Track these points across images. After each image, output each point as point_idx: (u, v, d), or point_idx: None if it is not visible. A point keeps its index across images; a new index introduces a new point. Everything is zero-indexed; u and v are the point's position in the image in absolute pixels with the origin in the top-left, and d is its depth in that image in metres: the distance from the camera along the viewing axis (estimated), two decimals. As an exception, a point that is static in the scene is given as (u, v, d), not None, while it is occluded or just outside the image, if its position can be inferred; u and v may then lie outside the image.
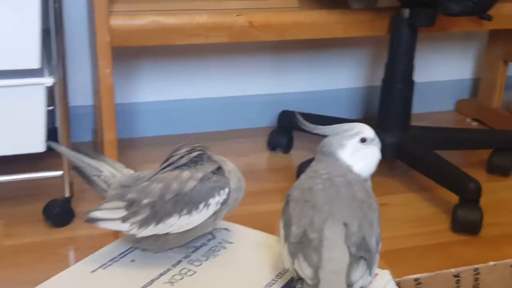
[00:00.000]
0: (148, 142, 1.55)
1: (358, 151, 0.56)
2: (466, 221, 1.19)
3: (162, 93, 1.57)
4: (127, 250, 0.60)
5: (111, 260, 0.58)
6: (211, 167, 0.59)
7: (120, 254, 0.59)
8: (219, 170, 0.59)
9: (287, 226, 0.52)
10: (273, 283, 0.55)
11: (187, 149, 0.60)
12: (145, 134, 1.58)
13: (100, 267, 0.57)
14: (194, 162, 0.58)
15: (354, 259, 0.48)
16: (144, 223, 0.55)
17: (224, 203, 0.58)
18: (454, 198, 1.22)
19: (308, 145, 1.51)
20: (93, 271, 0.57)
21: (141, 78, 1.55)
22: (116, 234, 1.08)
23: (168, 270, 0.57)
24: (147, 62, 1.54)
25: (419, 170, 1.33)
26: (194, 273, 0.56)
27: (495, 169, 1.41)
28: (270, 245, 0.61)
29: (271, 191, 1.34)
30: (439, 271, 0.59)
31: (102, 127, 1.33)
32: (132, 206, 0.56)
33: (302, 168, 1.25)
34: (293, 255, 0.50)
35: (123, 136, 1.49)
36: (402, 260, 1.10)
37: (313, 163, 0.58)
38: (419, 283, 0.58)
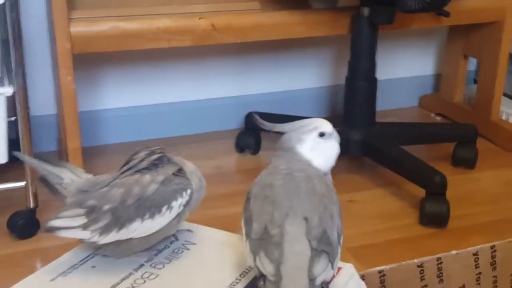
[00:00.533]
0: (114, 149, 1.53)
1: (317, 145, 0.57)
2: (433, 214, 1.20)
3: (127, 99, 1.56)
4: (87, 257, 0.59)
5: (71, 267, 0.57)
6: (171, 169, 0.58)
7: (80, 261, 0.58)
8: (180, 171, 0.59)
9: (248, 223, 0.52)
10: (237, 282, 0.55)
11: (146, 152, 0.59)
12: (111, 141, 1.56)
13: (60, 275, 0.56)
14: (155, 165, 0.58)
15: (316, 253, 0.48)
16: (105, 230, 0.54)
17: (186, 204, 0.58)
18: (420, 192, 1.24)
19: (276, 145, 1.51)
20: (52, 279, 0.56)
21: (104, 84, 1.54)
22: (81, 243, 1.06)
23: (130, 274, 0.56)
24: (109, 69, 1.53)
25: (385, 165, 1.34)
26: (156, 277, 0.56)
27: (460, 162, 1.43)
28: (233, 244, 0.61)
29: (241, 192, 1.31)
30: (403, 262, 0.59)
31: (65, 136, 1.31)
32: (92, 213, 0.54)
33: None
34: (254, 252, 0.50)
35: (88, 144, 1.47)
36: (370, 256, 1.11)
37: (273, 159, 0.58)
38: (383, 275, 0.59)
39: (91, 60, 1.49)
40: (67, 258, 0.58)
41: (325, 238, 0.50)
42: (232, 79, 1.62)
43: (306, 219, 0.50)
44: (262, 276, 0.49)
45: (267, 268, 0.48)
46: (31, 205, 1.17)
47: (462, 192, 1.33)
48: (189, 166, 0.61)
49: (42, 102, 1.48)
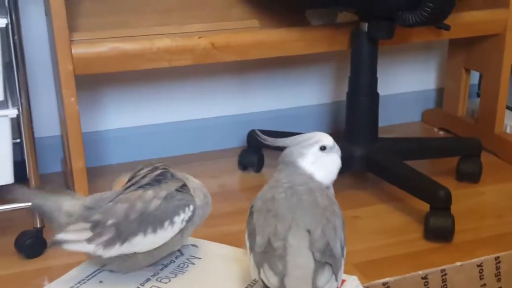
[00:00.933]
0: (117, 169, 1.54)
1: (318, 159, 0.57)
2: (438, 229, 1.20)
3: (129, 119, 1.57)
4: (94, 272, 0.59)
5: (79, 282, 0.58)
6: (175, 185, 0.59)
7: (87, 276, 0.58)
8: (183, 187, 0.59)
9: (252, 236, 0.52)
10: (243, 296, 0.55)
11: (149, 168, 0.60)
12: (114, 161, 1.57)
13: (69, 289, 0.57)
14: (158, 181, 0.58)
15: (319, 265, 0.49)
16: (109, 244, 0.55)
17: (189, 220, 0.58)
18: (425, 207, 1.23)
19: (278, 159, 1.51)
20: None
21: (106, 105, 1.55)
22: (88, 259, 1.06)
23: (136, 289, 0.56)
24: (111, 90, 1.54)
25: (389, 181, 1.34)
26: (162, 291, 0.56)
27: (464, 176, 1.43)
28: (238, 258, 0.61)
29: (245, 210, 1.32)
30: (407, 274, 0.59)
31: (70, 157, 1.32)
32: (96, 227, 0.55)
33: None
34: (258, 265, 0.50)
35: (92, 165, 1.48)
36: (376, 271, 1.10)
37: (275, 174, 0.58)
38: (388, 287, 0.59)
39: (92, 81, 1.50)
40: (75, 273, 0.59)
41: (328, 250, 0.50)
42: (233, 97, 1.63)
43: (309, 231, 0.50)
44: (265, 288, 0.49)
45: (271, 280, 0.48)
46: (38, 225, 1.17)
47: (466, 206, 1.33)
48: (194, 182, 0.62)
49: (46, 124, 1.49)
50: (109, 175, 1.51)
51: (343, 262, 0.51)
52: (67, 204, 0.59)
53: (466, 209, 1.31)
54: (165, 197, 0.56)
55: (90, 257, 0.57)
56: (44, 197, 0.60)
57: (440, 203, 1.21)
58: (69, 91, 1.26)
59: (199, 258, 0.62)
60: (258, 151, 1.51)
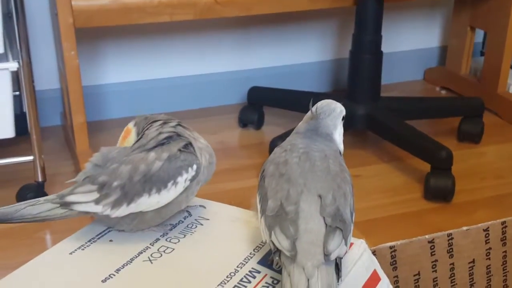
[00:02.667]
0: (117, 124, 1.53)
1: (341, 129, 0.58)
2: (439, 189, 1.21)
3: (129, 73, 1.55)
4: (104, 231, 0.59)
5: (89, 241, 0.58)
6: (178, 145, 0.59)
7: (97, 235, 0.59)
8: (186, 147, 0.59)
9: (264, 200, 0.52)
10: (251, 257, 0.55)
11: (157, 127, 0.60)
12: (114, 116, 1.56)
13: (79, 248, 0.57)
14: (162, 144, 0.59)
15: (330, 230, 0.49)
16: (116, 204, 0.56)
17: (193, 179, 0.58)
18: (426, 167, 1.24)
19: (279, 120, 1.51)
20: (71, 253, 0.56)
21: (107, 59, 1.53)
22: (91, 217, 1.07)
23: (147, 248, 0.56)
24: (111, 43, 1.52)
25: (390, 140, 1.34)
26: (172, 250, 0.56)
27: (465, 137, 1.43)
28: (246, 220, 0.61)
29: (244, 167, 1.34)
30: (414, 238, 0.59)
31: (70, 111, 1.31)
32: (103, 189, 0.56)
33: (274, 143, 1.25)
34: (270, 228, 0.50)
35: (91, 119, 1.47)
36: (376, 230, 1.12)
37: (291, 138, 0.58)
38: (394, 251, 0.59)
39: (92, 35, 1.48)
40: (84, 232, 0.59)
41: (339, 216, 0.50)
42: (234, 53, 1.61)
43: (320, 196, 0.50)
44: (277, 251, 0.49)
45: (283, 243, 0.48)
46: (39, 179, 1.18)
47: (467, 166, 1.33)
48: (200, 142, 0.61)
49: (45, 77, 1.48)
50: (109, 129, 1.50)
51: (352, 228, 0.52)
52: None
53: (466, 170, 1.32)
54: (167, 158, 0.57)
55: (98, 218, 0.58)
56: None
57: (441, 164, 1.21)
58: (69, 45, 1.24)
59: (207, 219, 0.62)
60: (258, 108, 1.51)
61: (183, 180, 0.57)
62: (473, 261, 0.62)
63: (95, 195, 0.56)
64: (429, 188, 1.21)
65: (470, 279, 0.63)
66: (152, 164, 0.56)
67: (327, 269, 0.47)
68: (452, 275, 0.62)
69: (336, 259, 0.49)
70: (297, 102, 1.41)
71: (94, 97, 1.52)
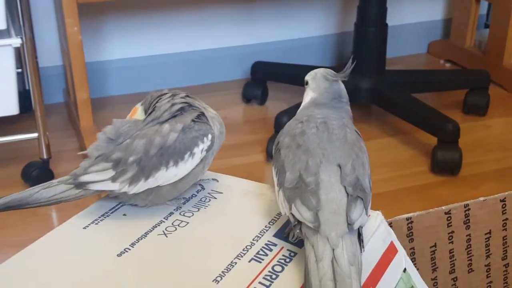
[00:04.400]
0: (121, 100, 1.52)
1: None
2: (446, 162, 1.20)
3: (132, 49, 1.54)
4: (117, 205, 0.58)
5: (102, 215, 0.57)
6: (191, 116, 0.58)
7: (110, 210, 0.58)
8: (200, 117, 0.58)
9: (281, 172, 0.52)
10: (267, 230, 0.55)
11: (168, 99, 0.59)
12: (117, 93, 1.55)
13: (92, 223, 0.56)
14: (174, 116, 0.57)
15: (352, 199, 0.48)
16: (133, 180, 0.55)
17: (209, 149, 0.57)
18: (432, 140, 1.23)
19: (283, 95, 1.50)
20: (85, 227, 0.56)
21: (110, 35, 1.52)
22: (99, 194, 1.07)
23: (161, 222, 0.56)
24: (115, 19, 1.50)
25: (396, 114, 1.33)
26: (187, 224, 0.56)
27: (471, 109, 1.43)
28: (260, 193, 0.60)
29: (248, 143, 1.33)
30: (431, 209, 0.59)
31: (73, 87, 1.30)
32: (118, 166, 0.55)
33: (280, 118, 1.24)
34: (290, 200, 0.49)
35: (95, 96, 1.46)
36: (383, 203, 1.12)
37: (304, 110, 0.57)
38: (411, 222, 0.59)
39: (95, 11, 1.46)
40: (96, 207, 0.58)
41: (359, 185, 0.50)
42: (237, 28, 1.59)
43: (339, 166, 0.50)
44: (298, 223, 0.48)
45: (305, 215, 0.47)
46: (44, 156, 1.17)
47: (473, 139, 1.33)
48: (211, 112, 0.61)
49: (47, 53, 1.46)
50: (113, 105, 1.49)
51: (371, 197, 0.51)
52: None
53: (472, 143, 1.31)
54: (182, 129, 0.56)
55: (113, 195, 0.57)
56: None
57: (449, 137, 1.20)
58: (72, 20, 1.23)
59: (221, 193, 0.61)
60: (262, 83, 1.49)
61: (199, 151, 0.56)
62: (490, 232, 0.62)
63: (111, 173, 0.55)
64: (436, 161, 1.21)
65: (486, 250, 0.63)
66: (167, 136, 0.55)
67: (351, 239, 0.46)
68: (469, 246, 0.61)
69: (358, 228, 0.49)
70: (301, 76, 1.39)
71: (97, 74, 1.51)
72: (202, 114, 0.59)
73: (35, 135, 1.15)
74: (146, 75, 1.55)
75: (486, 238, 0.62)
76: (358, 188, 0.49)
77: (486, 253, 0.62)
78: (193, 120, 0.57)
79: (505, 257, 0.64)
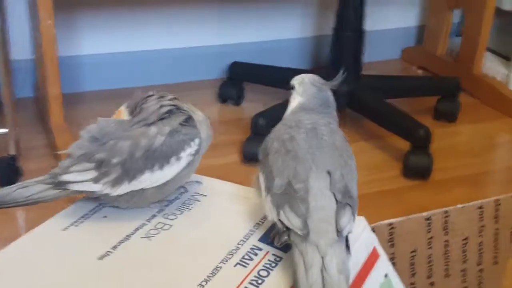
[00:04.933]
0: (93, 97, 1.50)
1: None
2: (417, 167, 1.22)
3: (106, 45, 1.52)
4: (97, 207, 0.57)
5: (82, 217, 0.56)
6: (179, 119, 0.57)
7: (90, 211, 0.57)
8: (187, 120, 0.58)
9: (269, 178, 0.51)
10: (252, 234, 0.55)
11: (155, 102, 0.58)
12: (89, 89, 1.53)
13: (72, 224, 0.55)
14: (161, 119, 0.57)
15: (340, 206, 0.48)
16: (117, 182, 0.54)
17: (196, 153, 0.57)
18: (403, 145, 1.25)
19: (259, 96, 1.50)
20: (65, 229, 0.54)
21: (82, 30, 1.49)
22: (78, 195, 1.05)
23: (144, 225, 0.55)
24: (89, 14, 1.48)
25: (371, 118, 1.34)
26: (170, 227, 0.55)
27: (441, 116, 1.45)
28: (244, 196, 0.60)
29: (224, 144, 1.33)
30: (411, 215, 0.60)
31: (45, 82, 1.27)
32: (101, 166, 0.53)
33: (256, 120, 1.24)
34: (278, 206, 0.49)
35: (66, 91, 1.43)
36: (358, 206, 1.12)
37: (292, 115, 0.57)
38: (393, 228, 0.59)
39: (68, 5, 1.43)
40: (75, 208, 0.57)
41: (347, 192, 0.50)
42: (215, 27, 1.58)
43: (329, 173, 0.50)
44: (286, 230, 0.48)
45: (294, 222, 0.47)
46: (13, 152, 1.14)
47: (443, 145, 1.35)
48: (199, 115, 0.60)
49: (18, 47, 1.43)
50: (84, 102, 1.47)
51: (357, 203, 0.51)
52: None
53: (443, 148, 1.33)
54: (169, 133, 0.55)
55: (93, 196, 0.55)
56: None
57: (420, 142, 1.22)
58: (46, 14, 1.20)
59: (205, 195, 0.61)
60: (238, 84, 1.49)
61: (186, 155, 0.56)
62: (467, 238, 0.63)
63: (93, 174, 0.53)
64: (409, 166, 1.22)
65: (463, 255, 0.64)
66: (153, 139, 0.54)
67: (340, 246, 0.47)
68: (447, 251, 0.62)
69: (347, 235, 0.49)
70: (278, 78, 1.39)
71: (70, 69, 1.48)
72: (190, 117, 0.58)
73: (4, 130, 1.13)
74: (120, 71, 1.53)
75: (463, 244, 0.63)
76: (347, 195, 0.49)
77: (463, 258, 0.63)
78: (180, 124, 0.56)
79: (480, 263, 0.65)
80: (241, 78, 1.49)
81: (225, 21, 1.59)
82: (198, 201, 0.60)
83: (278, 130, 0.55)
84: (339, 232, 0.47)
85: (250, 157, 1.24)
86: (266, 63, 1.54)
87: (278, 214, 0.49)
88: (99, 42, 1.50)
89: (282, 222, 0.48)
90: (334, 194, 0.49)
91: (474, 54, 1.53)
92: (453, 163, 1.30)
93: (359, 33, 1.35)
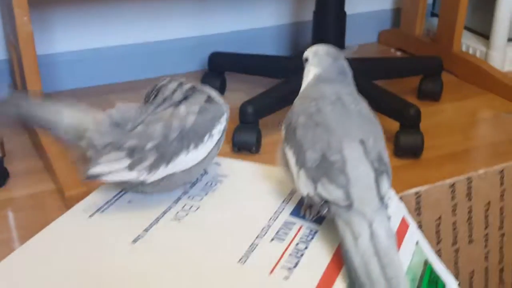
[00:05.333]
0: (71, 95, 1.46)
1: None
2: (408, 146, 1.22)
3: (83, 41, 1.48)
4: (119, 193, 0.55)
5: (106, 203, 0.54)
6: (201, 97, 0.55)
7: (114, 197, 0.55)
8: (209, 99, 0.56)
9: (299, 153, 0.50)
10: (282, 209, 0.54)
11: (177, 83, 0.56)
12: (68, 87, 1.48)
13: (97, 211, 0.53)
14: (185, 97, 0.55)
15: (378, 173, 0.48)
16: (153, 167, 0.51)
17: (224, 130, 0.56)
18: (394, 125, 1.25)
19: (242, 86, 1.48)
20: (91, 216, 0.52)
21: (59, 27, 1.45)
22: (60, 190, 1.01)
23: (170, 207, 0.53)
24: (64, 10, 1.44)
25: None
26: (197, 208, 0.54)
27: (426, 95, 1.46)
28: (265, 175, 0.59)
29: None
30: (437, 183, 0.59)
31: (24, 82, 1.23)
32: (134, 154, 0.51)
33: (245, 108, 1.23)
34: (314, 180, 0.48)
35: (44, 90, 1.39)
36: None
37: (311, 87, 0.56)
38: (419, 196, 0.59)
39: (41, 2, 1.39)
40: (97, 195, 0.55)
41: (381, 159, 0.49)
42: (193, 18, 1.56)
43: (361, 142, 0.49)
44: (325, 203, 0.47)
45: (335, 193, 0.46)
46: (-1, 154, 1.11)
47: (430, 124, 1.35)
48: (215, 96, 0.59)
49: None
50: (63, 101, 1.43)
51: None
52: (71, 116, 0.53)
53: (430, 127, 1.34)
54: (199, 111, 0.53)
55: (124, 184, 0.53)
56: (38, 104, 0.53)
57: (410, 121, 1.22)
58: (21, 11, 1.16)
59: (226, 175, 0.59)
60: (220, 74, 1.47)
61: (217, 132, 0.55)
62: (489, 203, 0.63)
63: (126, 162, 0.51)
64: (400, 145, 1.22)
65: (485, 221, 0.64)
66: (185, 118, 0.52)
67: (383, 212, 0.46)
68: (470, 217, 0.62)
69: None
70: (260, 66, 1.39)
71: (46, 68, 1.43)
72: (210, 96, 0.57)
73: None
74: (98, 68, 1.50)
75: (485, 209, 0.63)
76: (382, 162, 0.49)
77: (485, 223, 0.63)
78: (205, 102, 0.55)
79: (501, 227, 0.65)
80: (222, 69, 1.47)
81: (202, 11, 1.57)
82: (220, 182, 0.58)
83: (302, 104, 0.54)
84: (381, 199, 0.46)
85: (240, 147, 1.22)
86: (246, 51, 1.53)
87: (315, 187, 0.47)
88: (75, 39, 1.47)
89: (320, 196, 0.47)
90: (370, 162, 0.48)
91: (452, 33, 1.54)
92: (441, 141, 1.31)
93: (340, 16, 1.34)
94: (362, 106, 0.53)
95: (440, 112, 1.43)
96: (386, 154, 0.51)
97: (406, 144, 1.22)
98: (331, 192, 0.46)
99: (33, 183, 1.13)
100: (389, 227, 0.45)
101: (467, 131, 1.36)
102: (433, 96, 1.45)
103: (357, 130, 0.50)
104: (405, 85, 1.50)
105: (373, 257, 0.43)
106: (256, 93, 1.27)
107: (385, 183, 0.48)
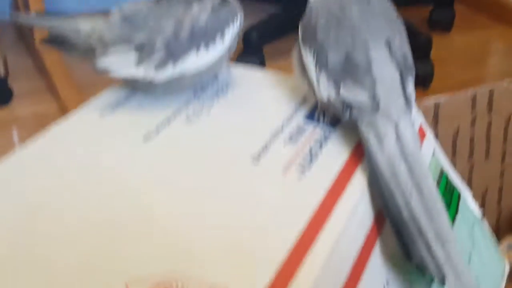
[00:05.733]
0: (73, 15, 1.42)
1: None
2: (419, 75, 1.20)
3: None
4: (129, 94, 0.54)
5: (116, 104, 0.52)
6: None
7: (124, 98, 0.53)
8: (222, 1, 0.53)
9: (320, 54, 0.47)
10: (295, 113, 0.52)
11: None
12: (70, 10, 1.45)
13: (107, 110, 0.51)
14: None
15: (404, 75, 0.46)
16: (160, 65, 0.49)
17: (237, 33, 0.53)
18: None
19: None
20: (101, 116, 0.51)
21: None
22: (64, 109, 1.00)
23: (181, 109, 0.52)
24: None
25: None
26: (209, 111, 0.52)
27: (436, 25, 1.43)
28: (278, 82, 0.57)
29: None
30: (457, 92, 0.57)
31: (24, 1, 1.20)
32: (142, 48, 0.49)
33: (250, 34, 1.20)
34: (337, 81, 0.45)
35: (47, 9, 1.36)
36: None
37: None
38: (438, 107, 0.57)
39: None
40: (107, 96, 0.53)
41: (407, 60, 0.47)
42: None
43: (387, 42, 0.46)
44: (347, 107, 0.45)
45: (360, 95, 0.44)
46: (2, 74, 1.08)
47: (441, 53, 1.33)
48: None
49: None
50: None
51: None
52: (85, 23, 0.51)
53: (441, 56, 1.31)
54: (212, 9, 0.50)
55: (131, 83, 0.51)
56: (56, 20, 0.51)
57: (422, 50, 1.20)
58: None
59: (238, 82, 0.57)
60: None
61: (229, 33, 0.52)
62: (510, 118, 0.61)
63: (134, 56, 0.49)
64: (411, 75, 1.21)
65: (503, 136, 0.62)
66: (198, 16, 0.50)
67: (409, 115, 0.44)
68: (488, 132, 0.61)
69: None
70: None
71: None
72: (221, -1, 0.54)
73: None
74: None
75: (505, 124, 0.61)
76: (407, 63, 0.47)
77: (503, 139, 0.62)
78: (218, 2, 0.52)
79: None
80: None
81: None
82: (232, 86, 0.56)
83: (322, 1, 0.50)
84: (406, 100, 0.44)
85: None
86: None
87: (338, 90, 0.45)
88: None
89: (343, 98, 0.45)
90: (396, 63, 0.46)
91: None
92: (452, 69, 1.29)
93: None
94: (388, 5, 0.50)
95: (451, 42, 1.40)
96: (411, 57, 0.48)
97: (417, 74, 1.20)
98: (357, 94, 0.44)
99: (37, 102, 1.11)
100: (415, 130, 0.43)
101: (478, 60, 1.33)
102: (444, 25, 1.42)
103: (382, 29, 0.47)
104: (416, 15, 1.47)
105: (399, 159, 0.41)
106: (256, 20, 1.24)
107: (410, 85, 0.45)
